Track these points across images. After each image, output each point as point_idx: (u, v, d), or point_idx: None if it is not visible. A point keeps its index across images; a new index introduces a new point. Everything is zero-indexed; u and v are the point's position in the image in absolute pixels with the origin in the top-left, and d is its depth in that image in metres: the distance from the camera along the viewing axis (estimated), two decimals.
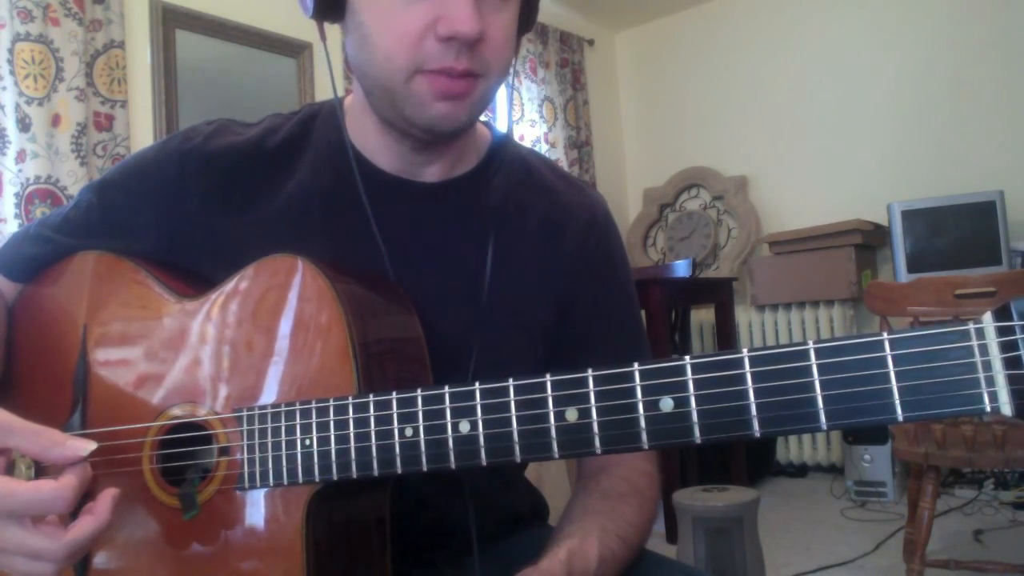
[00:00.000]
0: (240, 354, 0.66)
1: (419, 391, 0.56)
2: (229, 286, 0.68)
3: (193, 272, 0.75)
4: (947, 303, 1.80)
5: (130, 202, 0.77)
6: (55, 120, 2.27)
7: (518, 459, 0.53)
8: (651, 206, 4.33)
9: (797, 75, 3.88)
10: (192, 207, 0.75)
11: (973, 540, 2.55)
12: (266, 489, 0.62)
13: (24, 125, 2.21)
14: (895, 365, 0.43)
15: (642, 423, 0.49)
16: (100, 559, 0.70)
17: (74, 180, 2.28)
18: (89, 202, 0.79)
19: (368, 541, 0.66)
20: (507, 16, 0.68)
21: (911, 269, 3.18)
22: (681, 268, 3.26)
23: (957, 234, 3.18)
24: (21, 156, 2.20)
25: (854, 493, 3.12)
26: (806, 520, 2.90)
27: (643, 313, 2.70)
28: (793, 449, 3.58)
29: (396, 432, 0.56)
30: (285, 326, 0.64)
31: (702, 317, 3.84)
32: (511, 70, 0.72)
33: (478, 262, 0.75)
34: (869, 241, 3.47)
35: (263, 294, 0.66)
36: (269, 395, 0.64)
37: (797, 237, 3.54)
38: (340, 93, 0.80)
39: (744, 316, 3.73)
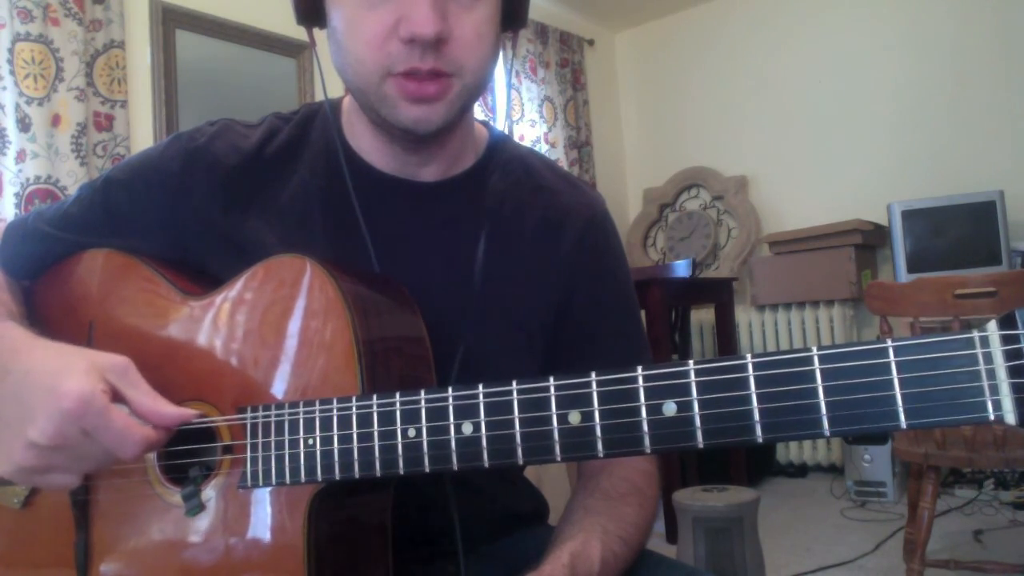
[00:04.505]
0: (245, 353, 0.66)
1: (423, 392, 0.56)
2: (236, 285, 0.69)
3: (201, 271, 0.76)
4: (947, 303, 1.80)
5: (134, 201, 0.77)
6: (55, 120, 2.27)
7: (520, 461, 0.53)
8: (651, 206, 4.33)
9: (797, 75, 3.88)
10: (196, 206, 0.75)
11: (973, 540, 2.55)
12: (269, 488, 0.62)
13: (24, 125, 2.22)
14: (899, 372, 0.43)
15: (645, 427, 0.49)
16: (102, 555, 0.70)
17: (74, 180, 2.28)
18: (91, 200, 0.79)
19: (369, 540, 0.66)
20: (478, 14, 0.67)
21: (911, 269, 3.19)
22: (681, 268, 3.26)
23: (957, 234, 3.18)
24: (21, 156, 2.20)
25: (854, 493, 3.12)
26: (806, 520, 2.91)
27: (643, 313, 2.71)
28: (793, 449, 3.59)
29: (399, 433, 0.56)
30: (291, 325, 0.64)
31: (702, 317, 3.84)
32: (494, 68, 0.72)
33: (472, 261, 0.76)
34: (869, 241, 3.47)
35: (270, 293, 0.66)
36: (274, 394, 0.64)
37: (797, 237, 3.54)
38: (332, 96, 0.80)
39: (744, 316, 3.73)
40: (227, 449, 0.65)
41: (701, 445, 0.47)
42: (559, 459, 0.52)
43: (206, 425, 0.65)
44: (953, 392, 0.42)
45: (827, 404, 0.45)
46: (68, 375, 0.58)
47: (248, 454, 0.63)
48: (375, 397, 0.58)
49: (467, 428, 0.54)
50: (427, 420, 0.56)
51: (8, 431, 0.60)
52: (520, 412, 0.53)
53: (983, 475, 3.01)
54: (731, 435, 0.47)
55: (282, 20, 2.84)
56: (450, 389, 0.55)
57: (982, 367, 0.41)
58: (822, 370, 0.45)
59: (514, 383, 0.53)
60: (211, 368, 0.67)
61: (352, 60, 0.68)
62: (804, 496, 3.27)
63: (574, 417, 0.51)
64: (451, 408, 0.55)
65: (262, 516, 0.63)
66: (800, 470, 3.59)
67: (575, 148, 4.02)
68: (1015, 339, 0.40)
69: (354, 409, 0.58)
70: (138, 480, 0.69)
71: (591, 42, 4.32)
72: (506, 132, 0.85)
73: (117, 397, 0.61)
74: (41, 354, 0.63)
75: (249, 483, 0.63)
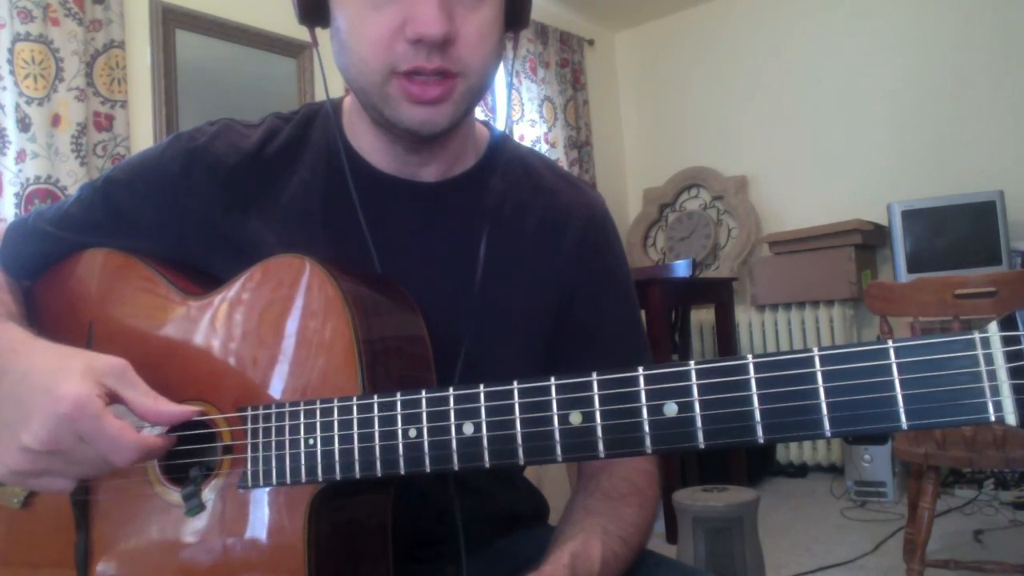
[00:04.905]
0: (245, 353, 0.66)
1: (423, 392, 0.56)
2: (236, 285, 0.69)
3: (201, 270, 0.76)
4: (947, 303, 1.80)
5: (135, 201, 0.77)
6: (55, 120, 2.27)
7: (521, 461, 0.53)
8: (651, 206, 4.33)
9: (797, 75, 3.88)
10: (196, 206, 0.75)
11: (973, 540, 2.55)
12: (269, 488, 0.62)
13: (24, 125, 2.21)
14: (900, 373, 0.43)
15: (646, 427, 0.49)
16: (102, 555, 0.70)
17: (74, 180, 2.28)
18: (92, 199, 0.79)
19: (370, 540, 0.66)
20: (483, 15, 0.67)
21: (911, 269, 3.19)
22: (681, 268, 3.26)
23: (957, 234, 3.18)
24: (21, 156, 2.20)
25: (854, 493, 3.12)
26: (806, 520, 2.91)
27: (643, 313, 2.71)
28: (793, 449, 3.58)
29: (400, 433, 0.56)
30: (291, 325, 0.64)
31: (702, 317, 3.84)
32: (497, 68, 0.72)
33: (473, 261, 0.75)
34: (869, 241, 3.47)
35: (270, 293, 0.66)
36: (274, 394, 0.64)
37: (797, 237, 3.54)
38: (334, 95, 0.80)
39: (744, 316, 3.73)
40: (227, 449, 0.65)
41: (702, 446, 0.47)
42: (560, 459, 0.51)
43: (206, 424, 0.65)
44: (954, 393, 0.42)
45: (828, 405, 0.45)
46: (65, 378, 0.58)
47: (248, 454, 0.63)
48: (376, 397, 0.58)
49: (468, 428, 0.54)
50: (428, 420, 0.56)
51: (6, 432, 0.60)
52: (521, 412, 0.53)
53: (983, 475, 3.01)
54: (732, 436, 0.46)
55: (282, 20, 2.84)
56: (451, 389, 0.55)
57: (983, 368, 0.41)
58: (823, 371, 0.45)
59: (515, 383, 0.53)
60: (211, 368, 0.67)
61: (356, 60, 0.67)
62: (804, 496, 3.26)
63: (575, 417, 0.51)
64: (452, 408, 0.55)
65: (262, 516, 0.63)
66: (800, 470, 3.59)
67: (575, 148, 4.02)
68: (1016, 340, 0.40)
69: (355, 409, 0.58)
70: (138, 480, 0.69)
71: (591, 42, 4.31)
72: (507, 132, 0.85)
73: (115, 400, 0.60)
74: (40, 355, 0.63)
75: (249, 483, 0.63)
